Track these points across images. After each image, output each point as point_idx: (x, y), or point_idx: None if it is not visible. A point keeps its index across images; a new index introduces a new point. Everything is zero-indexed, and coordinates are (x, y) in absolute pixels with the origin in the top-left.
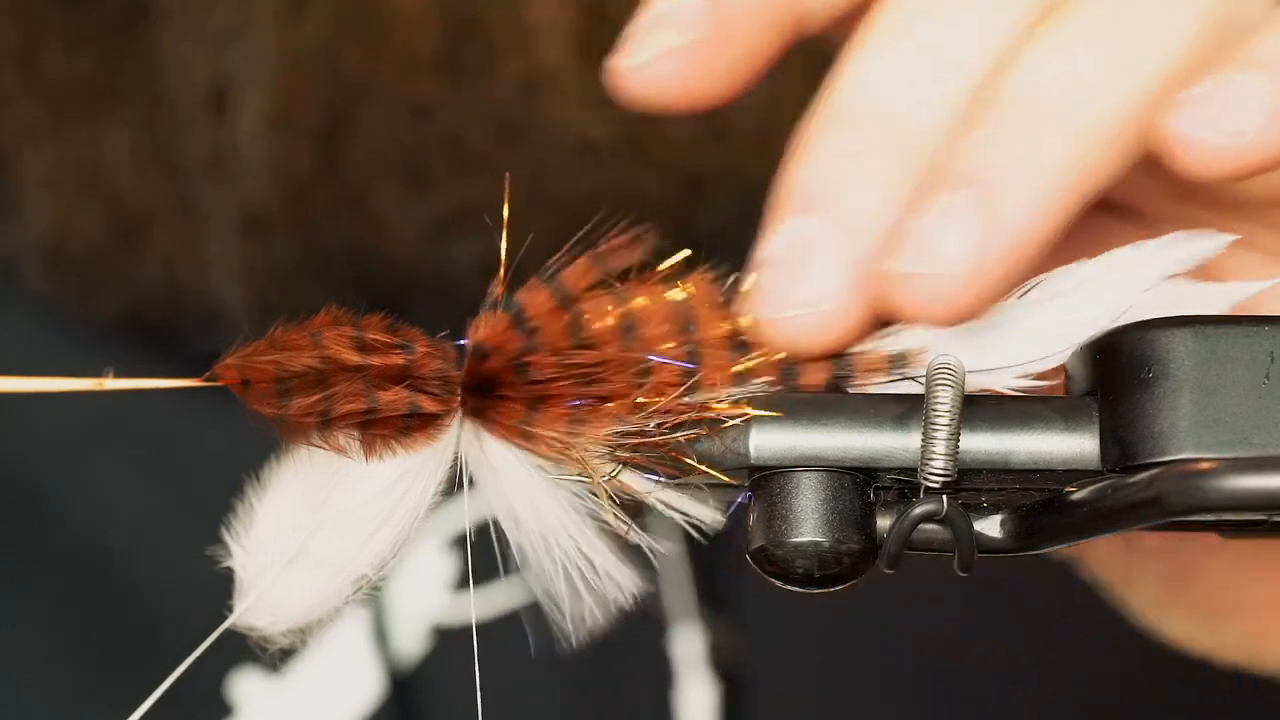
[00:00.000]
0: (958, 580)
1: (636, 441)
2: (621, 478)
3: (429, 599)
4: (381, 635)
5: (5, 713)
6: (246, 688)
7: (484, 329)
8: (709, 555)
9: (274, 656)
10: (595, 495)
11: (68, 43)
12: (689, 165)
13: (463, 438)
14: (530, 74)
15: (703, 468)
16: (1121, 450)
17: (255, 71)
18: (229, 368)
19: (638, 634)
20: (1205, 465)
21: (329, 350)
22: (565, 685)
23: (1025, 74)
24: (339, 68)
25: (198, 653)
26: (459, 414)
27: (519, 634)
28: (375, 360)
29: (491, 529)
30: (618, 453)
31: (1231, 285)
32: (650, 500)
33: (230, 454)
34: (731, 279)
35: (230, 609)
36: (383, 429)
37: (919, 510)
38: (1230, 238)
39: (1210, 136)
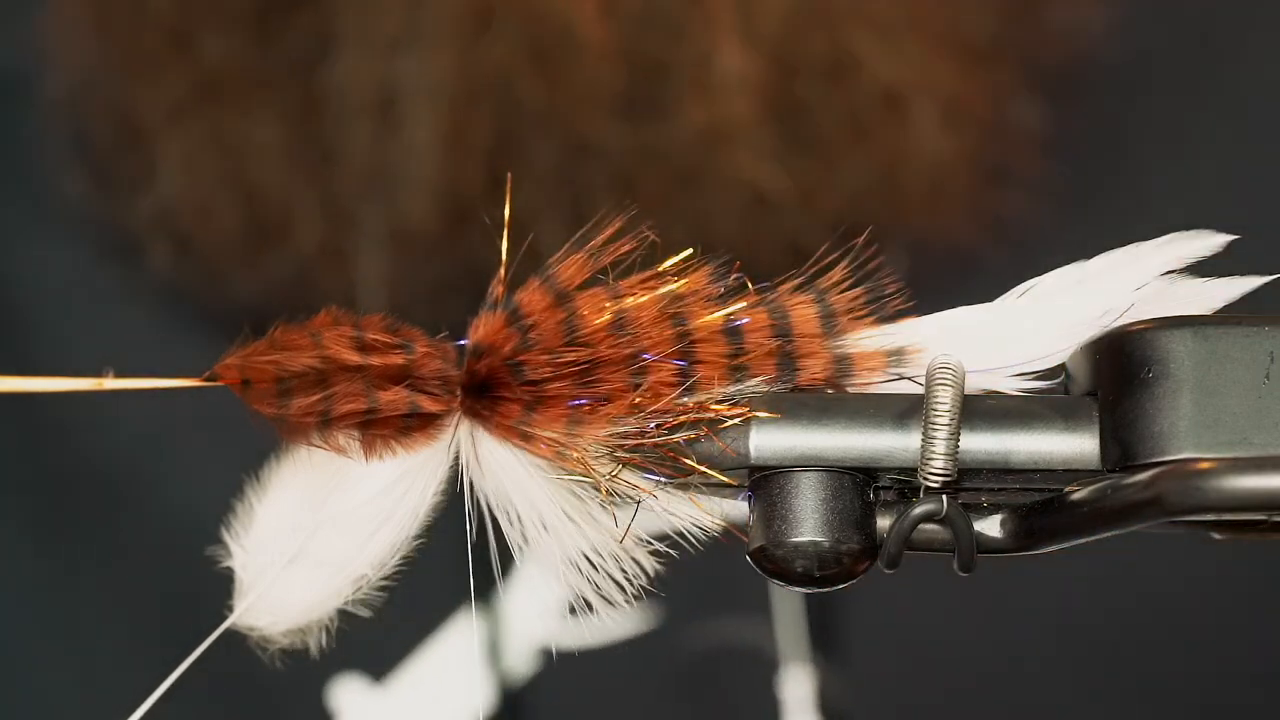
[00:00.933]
0: (1068, 629)
1: (635, 442)
2: (621, 477)
3: (540, 621)
4: (489, 653)
5: (92, 686)
6: (347, 696)
7: (482, 329)
8: (822, 599)
9: (377, 665)
10: (595, 495)
11: (227, 22)
12: (857, 216)
13: (461, 438)
14: (712, 124)
15: (702, 468)
16: (1121, 450)
17: (429, 87)
18: (229, 367)
19: (748, 673)
20: (1205, 465)
21: (329, 350)
22: (674, 714)
23: None
24: (517, 94)
25: (198, 652)
26: (458, 414)
27: (628, 663)
28: (375, 360)
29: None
30: (617, 453)
31: (1227, 281)
32: (649, 501)
33: None
34: (730, 277)
35: (229, 609)
36: (383, 429)
37: (919, 510)
38: (1228, 237)
39: None
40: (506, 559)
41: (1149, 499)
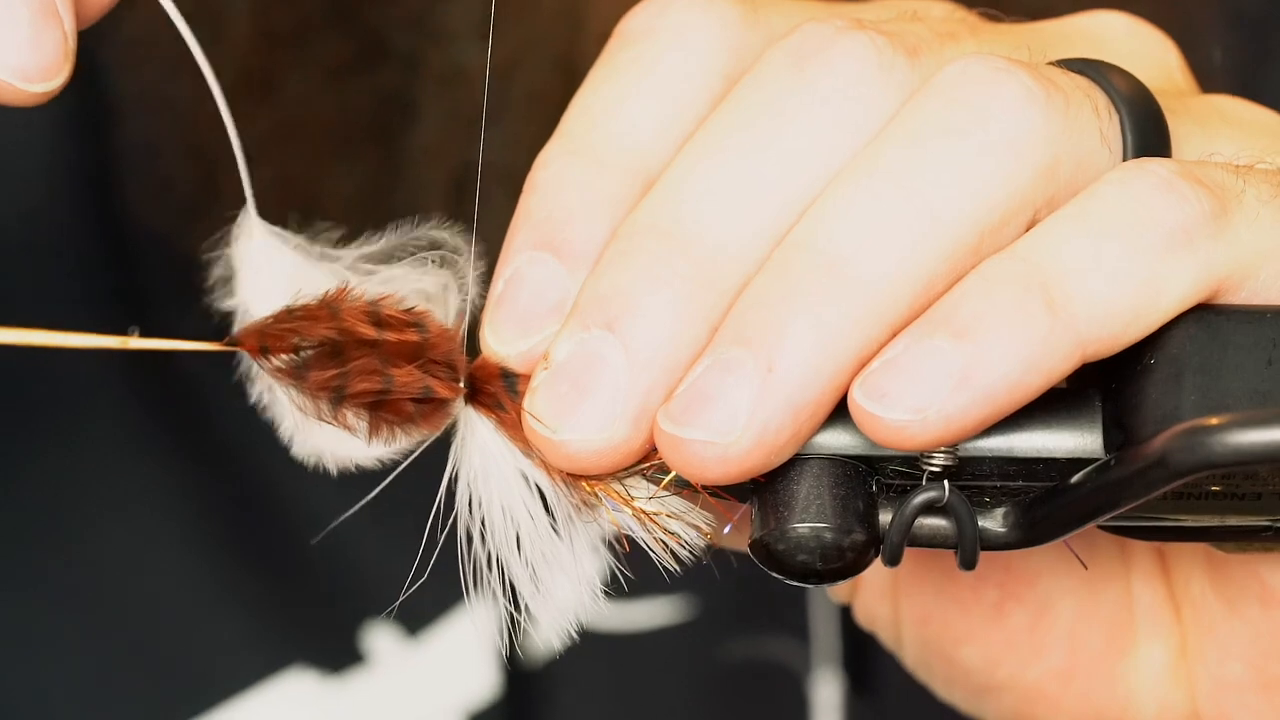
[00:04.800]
0: None
1: None
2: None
3: (572, 597)
4: (517, 624)
5: (149, 597)
6: (380, 642)
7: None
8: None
9: (413, 618)
10: (594, 494)
11: (312, 69)
12: None
13: (461, 423)
14: None
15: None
16: (1125, 436)
17: (507, 169)
18: (249, 333)
19: (780, 675)
20: (1210, 422)
21: (346, 322)
22: (698, 713)
23: (828, 227)
24: None
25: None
26: (462, 400)
27: (658, 654)
28: (390, 336)
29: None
30: None
31: None
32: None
33: None
34: None
35: None
36: (392, 412)
37: (921, 497)
38: None
39: (887, 413)
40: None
41: (1153, 462)
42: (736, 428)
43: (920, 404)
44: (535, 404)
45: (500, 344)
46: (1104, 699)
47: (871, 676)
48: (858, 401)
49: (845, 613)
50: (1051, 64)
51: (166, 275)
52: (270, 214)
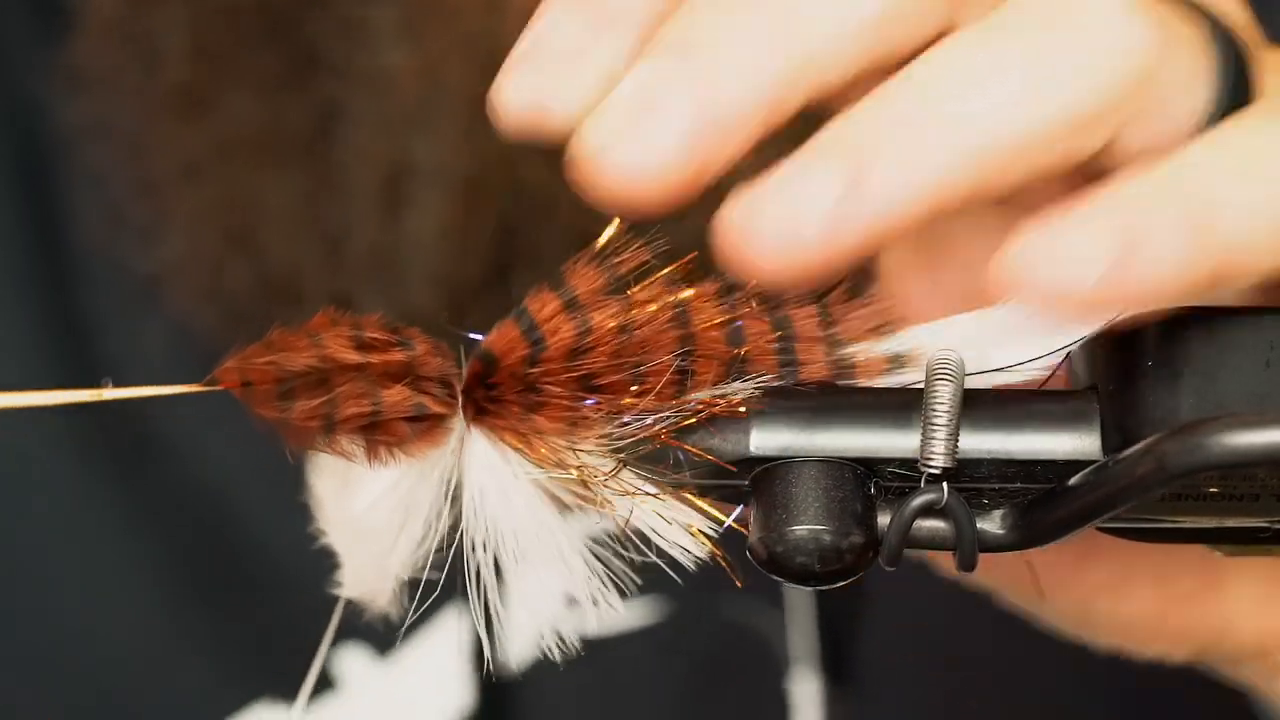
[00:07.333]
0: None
1: (636, 438)
2: (620, 477)
3: (543, 607)
4: (489, 638)
5: (111, 652)
6: (350, 665)
7: (493, 334)
8: (833, 600)
9: (382, 638)
10: (595, 495)
11: (247, 85)
12: None
13: (461, 439)
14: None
15: (708, 455)
16: (1123, 437)
17: (437, 169)
18: (229, 371)
19: (758, 670)
20: (1205, 424)
21: (328, 349)
22: (678, 713)
23: (937, 71)
24: (523, 182)
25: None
26: (460, 416)
27: (631, 652)
28: (375, 358)
29: (615, 548)
30: (617, 452)
31: None
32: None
33: None
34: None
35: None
36: (387, 433)
37: (920, 499)
38: None
39: (1043, 277)
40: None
41: (1150, 464)
42: (809, 218)
43: (1068, 278)
44: (586, 132)
45: (517, 90)
46: (1200, 629)
47: (850, 673)
48: (1012, 261)
49: (821, 610)
50: None
51: (112, 301)
52: (214, 231)
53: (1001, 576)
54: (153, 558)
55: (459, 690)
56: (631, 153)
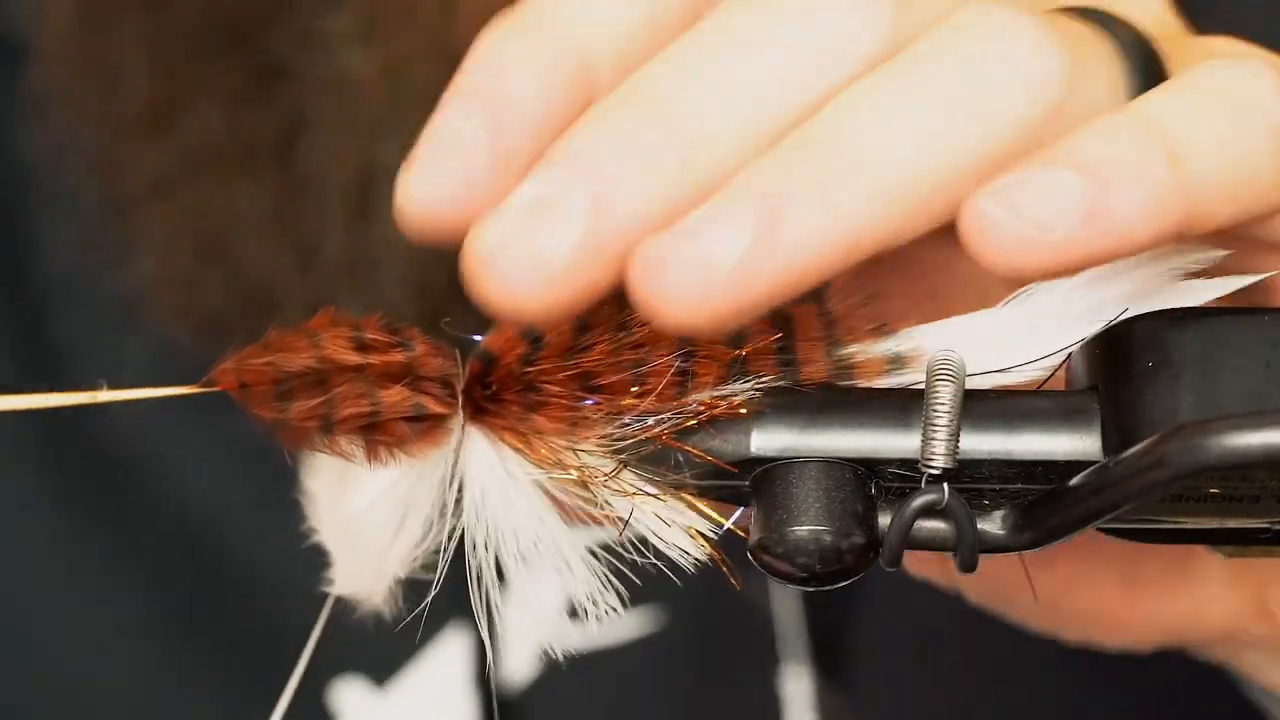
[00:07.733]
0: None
1: (636, 438)
2: (620, 478)
3: (541, 620)
4: (490, 657)
5: (98, 680)
6: (348, 697)
7: (492, 335)
8: (823, 598)
9: (380, 669)
10: (593, 496)
11: (211, 98)
12: None
13: (462, 440)
14: None
15: (708, 456)
16: (1122, 438)
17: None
18: (226, 372)
19: (749, 669)
20: (1207, 424)
21: (326, 350)
22: (671, 716)
23: (848, 113)
24: None
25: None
26: (460, 416)
27: (630, 663)
28: (375, 359)
29: (609, 553)
30: (618, 452)
31: (1222, 280)
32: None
33: None
34: None
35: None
36: (386, 433)
37: (920, 500)
38: (1224, 252)
39: (1016, 225)
40: (503, 564)
41: (1152, 464)
42: (719, 263)
43: (1049, 224)
44: (480, 234)
45: (414, 190)
46: (1168, 615)
47: (843, 671)
48: (983, 208)
49: (812, 610)
50: (1054, 11)
51: (91, 324)
52: (187, 246)
53: (968, 577)
54: (145, 595)
55: (459, 714)
56: (519, 261)
